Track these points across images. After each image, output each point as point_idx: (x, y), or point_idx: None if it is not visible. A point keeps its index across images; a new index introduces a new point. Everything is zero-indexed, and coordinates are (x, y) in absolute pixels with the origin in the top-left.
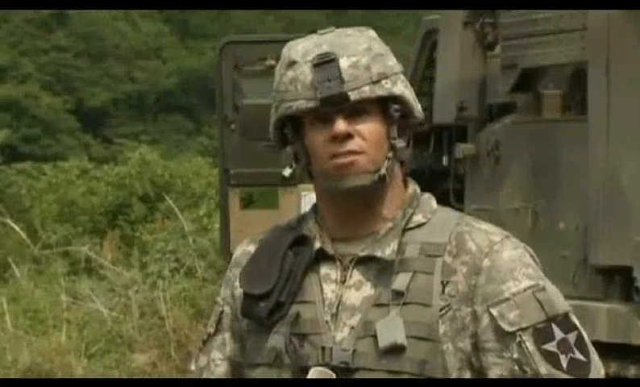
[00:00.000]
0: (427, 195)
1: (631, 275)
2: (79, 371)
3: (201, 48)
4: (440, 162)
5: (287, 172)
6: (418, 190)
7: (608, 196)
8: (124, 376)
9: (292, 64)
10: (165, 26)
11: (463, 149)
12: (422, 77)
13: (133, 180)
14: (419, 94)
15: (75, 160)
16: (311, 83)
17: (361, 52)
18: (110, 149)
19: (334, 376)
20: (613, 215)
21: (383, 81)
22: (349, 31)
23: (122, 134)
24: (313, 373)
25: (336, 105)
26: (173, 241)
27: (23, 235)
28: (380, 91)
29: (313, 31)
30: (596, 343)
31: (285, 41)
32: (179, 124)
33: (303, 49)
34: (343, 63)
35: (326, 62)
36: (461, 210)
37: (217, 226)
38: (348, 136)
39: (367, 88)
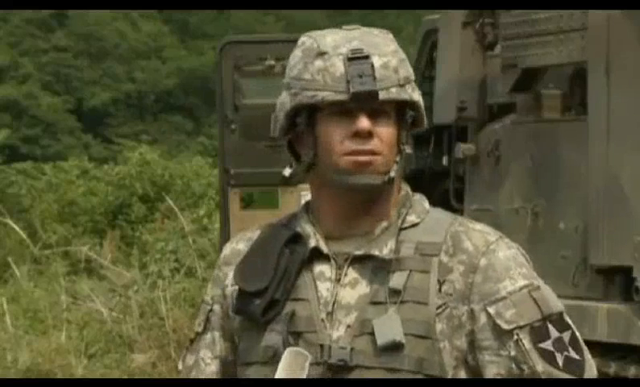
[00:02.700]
0: (419, 196)
1: (631, 275)
2: (79, 371)
3: (201, 48)
4: (440, 162)
5: (287, 172)
6: (410, 191)
7: (608, 196)
8: (124, 376)
9: (321, 54)
10: (165, 26)
11: (463, 149)
12: (422, 77)
13: (133, 180)
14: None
15: (75, 160)
16: (342, 76)
17: (390, 54)
18: (110, 149)
19: (309, 357)
20: (613, 215)
21: (407, 86)
22: (375, 31)
23: (122, 134)
24: (287, 355)
25: (365, 102)
26: (173, 241)
27: (23, 235)
28: (404, 95)
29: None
30: (596, 343)
31: (285, 41)
32: (179, 124)
33: (333, 41)
34: (376, 61)
35: (360, 58)
36: (461, 210)
37: (217, 226)
38: (369, 135)
39: (394, 89)
